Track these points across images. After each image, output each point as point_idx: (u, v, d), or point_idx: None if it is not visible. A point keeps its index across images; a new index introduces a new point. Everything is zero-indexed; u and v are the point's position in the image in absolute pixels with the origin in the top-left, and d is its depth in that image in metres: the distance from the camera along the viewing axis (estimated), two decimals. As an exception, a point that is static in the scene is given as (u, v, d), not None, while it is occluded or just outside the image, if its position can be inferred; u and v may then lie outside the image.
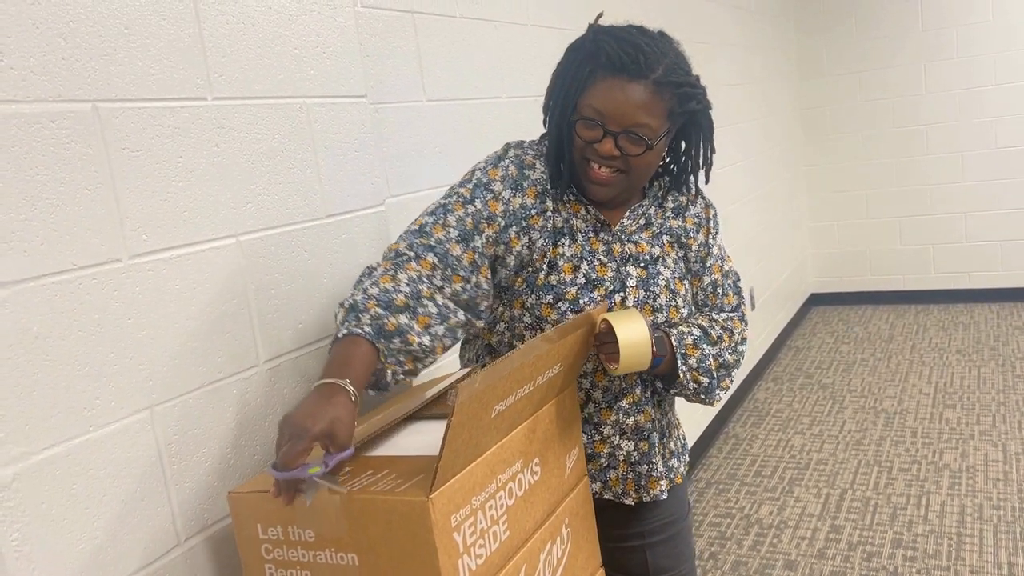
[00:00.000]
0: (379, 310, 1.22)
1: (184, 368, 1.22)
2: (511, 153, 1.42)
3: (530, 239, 1.38)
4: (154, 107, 1.18)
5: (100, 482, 1.11)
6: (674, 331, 1.39)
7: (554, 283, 1.37)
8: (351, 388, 1.11)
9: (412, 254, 1.31)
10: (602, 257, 1.40)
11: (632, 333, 1.27)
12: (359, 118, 1.58)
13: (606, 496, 1.48)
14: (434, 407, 1.38)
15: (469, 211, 1.35)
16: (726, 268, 1.51)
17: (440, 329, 1.28)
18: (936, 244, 5.60)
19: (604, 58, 1.29)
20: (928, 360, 4.65)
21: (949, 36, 5.32)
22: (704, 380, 1.40)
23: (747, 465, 3.64)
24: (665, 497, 1.48)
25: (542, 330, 1.38)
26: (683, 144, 1.42)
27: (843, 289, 5.99)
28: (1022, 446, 3.50)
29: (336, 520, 1.05)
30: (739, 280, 1.53)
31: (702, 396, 1.42)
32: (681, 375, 1.38)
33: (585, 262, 1.39)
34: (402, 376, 1.27)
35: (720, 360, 1.42)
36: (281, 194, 1.40)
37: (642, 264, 1.41)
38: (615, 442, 1.44)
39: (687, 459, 1.57)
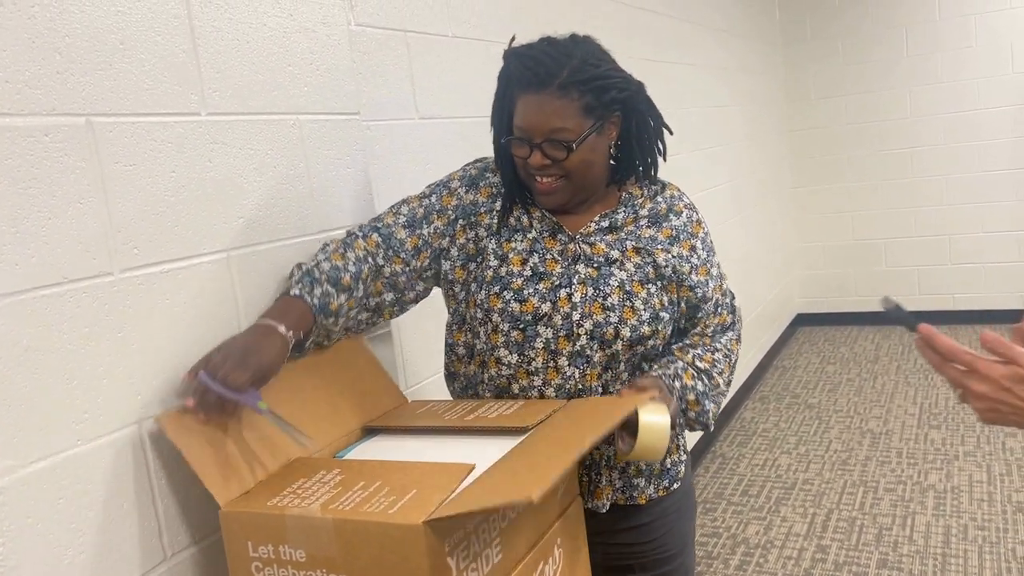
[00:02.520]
0: (329, 287, 1.35)
1: (174, 382, 1.22)
2: (479, 162, 1.54)
3: (476, 235, 1.45)
4: (148, 122, 1.19)
5: (87, 496, 1.10)
6: (677, 386, 1.40)
7: (503, 274, 1.42)
8: (290, 337, 1.25)
9: (360, 234, 1.46)
10: (555, 255, 1.43)
11: (651, 435, 1.26)
12: (352, 135, 1.59)
13: None
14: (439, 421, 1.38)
15: (424, 204, 1.48)
16: (724, 287, 1.52)
17: (360, 315, 1.45)
18: (921, 266, 5.65)
19: (514, 79, 1.37)
20: (913, 381, 4.68)
21: (934, 61, 5.39)
22: (699, 428, 1.46)
23: (734, 484, 3.64)
24: (603, 511, 1.45)
25: (491, 323, 1.41)
26: (632, 131, 1.43)
27: (829, 309, 6.02)
28: (1006, 467, 3.52)
29: (328, 541, 1.05)
30: (735, 299, 1.55)
31: (692, 431, 1.49)
32: (678, 427, 1.42)
33: (536, 255, 1.42)
34: (311, 347, 1.39)
35: (718, 401, 1.47)
36: (273, 209, 1.40)
37: (595, 265, 1.41)
38: None
39: (671, 484, 1.52)
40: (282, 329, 1.24)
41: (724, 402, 1.50)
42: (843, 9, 5.58)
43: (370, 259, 1.43)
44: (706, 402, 1.44)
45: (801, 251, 6.00)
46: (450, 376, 1.56)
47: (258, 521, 1.10)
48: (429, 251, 1.45)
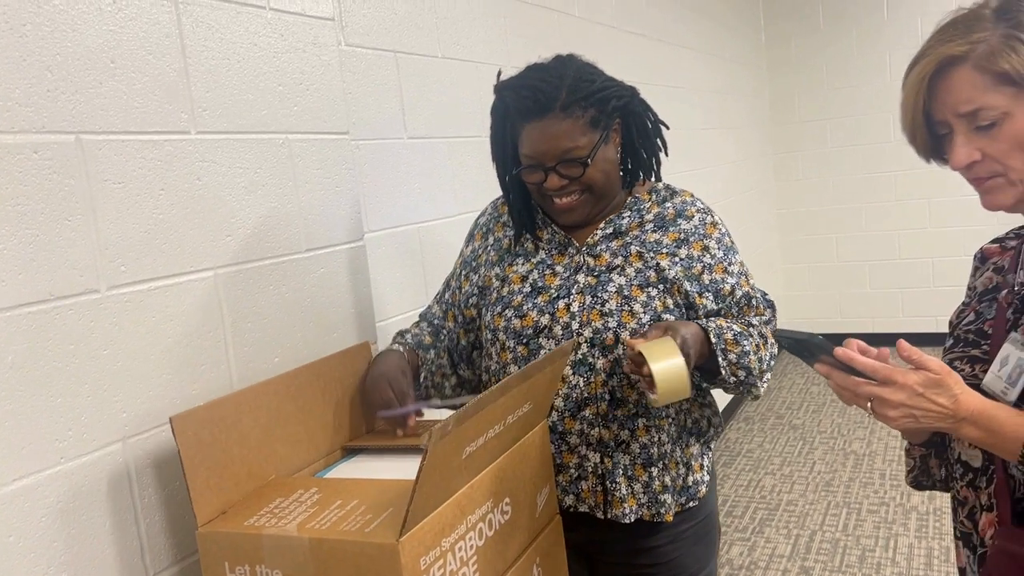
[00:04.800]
0: (415, 333, 1.56)
1: (158, 400, 1.22)
2: (478, 215, 1.64)
3: (478, 275, 1.54)
4: (138, 140, 1.19)
5: (70, 514, 1.09)
6: (712, 325, 1.38)
7: (504, 294, 1.48)
8: (405, 352, 1.50)
9: (418, 317, 1.67)
10: (559, 268, 1.46)
11: (668, 368, 1.23)
12: (340, 154, 1.60)
13: (581, 509, 1.45)
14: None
15: (447, 277, 1.64)
16: (752, 282, 1.52)
17: (461, 353, 1.58)
18: (904, 288, 5.70)
19: (513, 110, 1.40)
20: (896, 403, 4.70)
21: (917, 86, 5.46)
22: (742, 374, 1.39)
23: (718, 505, 3.64)
24: (628, 520, 1.44)
25: (499, 342, 1.46)
26: (633, 133, 1.46)
27: (814, 331, 6.04)
28: (988, 489, 3.54)
29: (304, 561, 1.05)
30: (767, 294, 1.54)
31: (741, 389, 1.42)
32: (723, 371, 1.37)
33: (535, 272, 1.47)
34: (432, 387, 1.54)
35: (759, 357, 1.41)
36: (261, 228, 1.41)
37: (595, 273, 1.44)
38: (582, 452, 1.43)
39: (688, 502, 1.48)
40: (396, 347, 1.51)
41: (767, 374, 1.44)
42: (827, 34, 5.66)
43: (425, 330, 1.59)
44: (745, 343, 1.38)
45: (786, 272, 6.05)
46: None
47: (235, 541, 1.09)
48: (455, 310, 1.57)
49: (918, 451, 1.23)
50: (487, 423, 1.11)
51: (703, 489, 1.51)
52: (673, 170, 4.00)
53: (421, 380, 1.52)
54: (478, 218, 1.62)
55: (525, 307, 1.44)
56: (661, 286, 1.42)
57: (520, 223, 1.50)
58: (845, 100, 5.66)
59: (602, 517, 1.45)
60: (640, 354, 1.25)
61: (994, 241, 1.26)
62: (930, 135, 1.08)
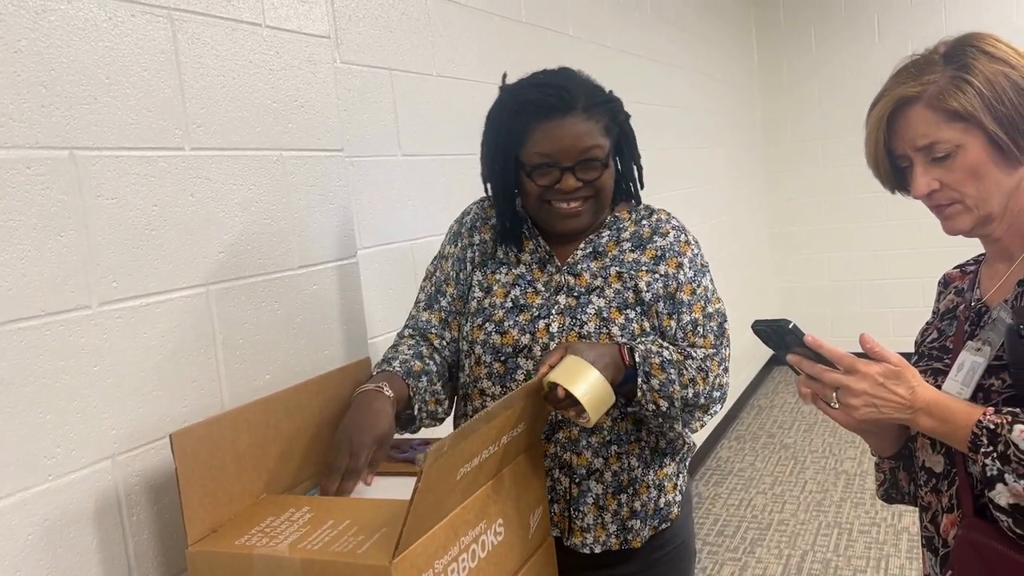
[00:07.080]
0: (404, 359, 1.43)
1: (148, 417, 1.21)
2: (461, 213, 1.58)
3: (466, 272, 1.52)
4: (131, 156, 1.19)
5: (57, 532, 1.08)
6: (641, 347, 1.35)
7: (486, 306, 1.45)
8: (388, 393, 1.33)
9: (403, 334, 1.54)
10: (539, 286, 1.45)
11: (586, 385, 1.22)
12: (334, 171, 1.60)
13: (553, 533, 1.42)
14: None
15: (432, 280, 1.55)
16: (710, 310, 1.45)
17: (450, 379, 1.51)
18: (894, 308, 5.72)
19: (532, 107, 1.37)
20: (887, 422, 4.70)
21: (907, 108, 5.51)
22: (664, 404, 1.33)
23: (709, 524, 3.64)
24: (587, 552, 1.42)
25: (475, 355, 1.44)
26: (625, 154, 1.47)
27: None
28: (978, 510, 3.54)
29: None
30: (725, 322, 1.46)
31: (661, 421, 1.37)
32: (640, 393, 1.32)
33: (517, 287, 1.46)
34: (426, 416, 1.44)
35: (687, 396, 1.35)
36: (254, 244, 1.41)
37: (575, 294, 1.43)
38: (555, 475, 1.42)
39: (661, 524, 1.46)
40: (383, 385, 1.35)
41: (697, 413, 1.38)
42: (819, 53, 5.71)
43: (416, 347, 1.48)
44: (671, 371, 1.33)
45: (778, 291, 6.07)
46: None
47: (225, 561, 1.08)
48: (455, 319, 1.51)
49: (887, 464, 1.29)
50: (482, 443, 1.10)
51: (675, 511, 1.48)
52: (667, 188, 4.03)
53: (415, 412, 1.42)
54: (462, 217, 1.56)
55: (506, 324, 1.42)
56: (639, 308, 1.41)
57: (509, 227, 1.47)
58: (836, 121, 5.71)
59: (568, 544, 1.43)
60: (552, 384, 1.23)
61: (956, 267, 1.35)
62: (893, 168, 1.21)
